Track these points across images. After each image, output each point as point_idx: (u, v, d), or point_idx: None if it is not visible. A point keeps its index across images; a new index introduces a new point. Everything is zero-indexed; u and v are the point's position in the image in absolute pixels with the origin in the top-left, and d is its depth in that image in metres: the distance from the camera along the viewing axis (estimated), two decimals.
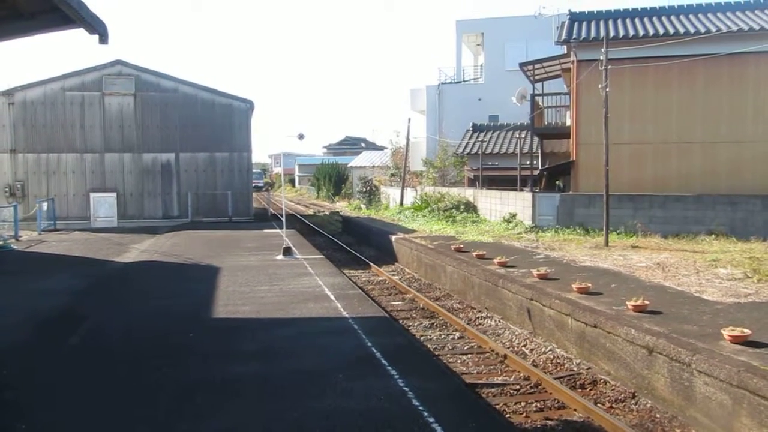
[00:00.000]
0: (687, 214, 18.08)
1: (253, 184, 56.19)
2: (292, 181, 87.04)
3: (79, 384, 6.78)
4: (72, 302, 11.27)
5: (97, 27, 9.41)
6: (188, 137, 28.21)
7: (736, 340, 7.11)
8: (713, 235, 16.80)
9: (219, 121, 28.54)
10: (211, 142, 28.44)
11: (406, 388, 6.41)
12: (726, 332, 7.25)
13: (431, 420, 5.60)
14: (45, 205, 25.59)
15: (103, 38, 9.71)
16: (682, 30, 19.31)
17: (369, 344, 8.09)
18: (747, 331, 7.20)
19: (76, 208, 27.46)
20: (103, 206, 27.62)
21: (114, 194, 27.71)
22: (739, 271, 11.75)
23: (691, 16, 20.81)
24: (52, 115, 27.18)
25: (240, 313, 10.03)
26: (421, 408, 5.88)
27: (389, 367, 7.11)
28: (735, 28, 18.80)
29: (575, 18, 22.02)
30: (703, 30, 18.96)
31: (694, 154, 19.38)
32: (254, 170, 65.26)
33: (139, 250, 18.89)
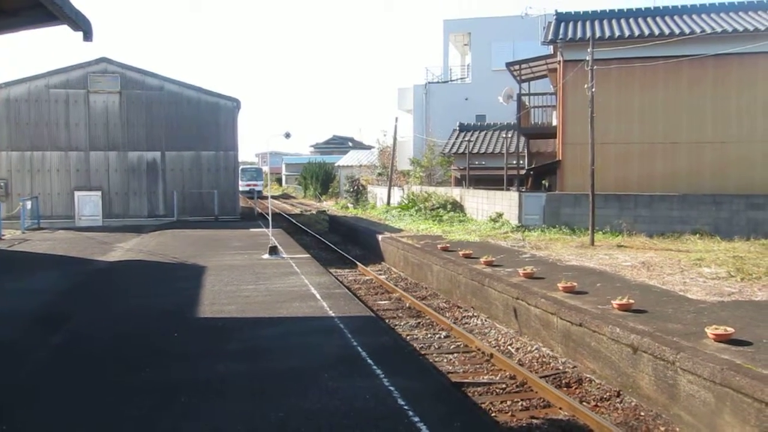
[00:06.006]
0: (672, 213, 18.22)
1: (249, 187, 54.43)
2: (278, 180, 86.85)
3: (61, 384, 6.71)
4: (55, 301, 11.16)
5: (81, 24, 9.33)
6: (174, 136, 28.05)
7: (720, 338, 7.16)
8: (698, 235, 16.96)
9: (205, 119, 28.40)
10: (198, 141, 28.30)
11: (391, 388, 6.40)
12: (710, 331, 7.30)
13: (416, 419, 5.58)
14: (29, 204, 25.35)
15: (88, 35, 9.62)
16: (667, 31, 19.46)
17: (355, 344, 8.07)
18: (730, 330, 7.26)
19: (61, 207, 27.22)
20: (88, 205, 27.39)
21: (99, 193, 27.49)
22: (722, 270, 11.85)
23: (676, 17, 20.98)
24: (36, 113, 26.92)
25: (225, 312, 9.97)
26: (406, 407, 5.87)
27: (375, 367, 7.09)
28: (719, 30, 18.98)
29: (562, 18, 22.11)
30: (687, 31, 19.12)
31: (679, 154, 19.53)
32: (249, 168, 63.74)
33: (124, 249, 18.76)
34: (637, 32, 19.74)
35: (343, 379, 6.67)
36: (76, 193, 27.30)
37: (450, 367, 9.05)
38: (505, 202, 21.01)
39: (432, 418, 5.62)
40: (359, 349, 7.83)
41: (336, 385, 6.48)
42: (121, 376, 6.92)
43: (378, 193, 37.21)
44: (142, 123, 27.77)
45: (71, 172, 27.30)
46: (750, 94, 19.15)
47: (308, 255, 17.18)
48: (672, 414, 6.91)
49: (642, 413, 7.20)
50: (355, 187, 40.71)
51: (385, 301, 13.80)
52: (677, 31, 19.22)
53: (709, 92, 19.40)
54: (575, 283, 10.47)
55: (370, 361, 7.33)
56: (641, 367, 7.46)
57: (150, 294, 11.76)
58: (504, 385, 8.23)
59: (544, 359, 9.28)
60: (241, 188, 40.75)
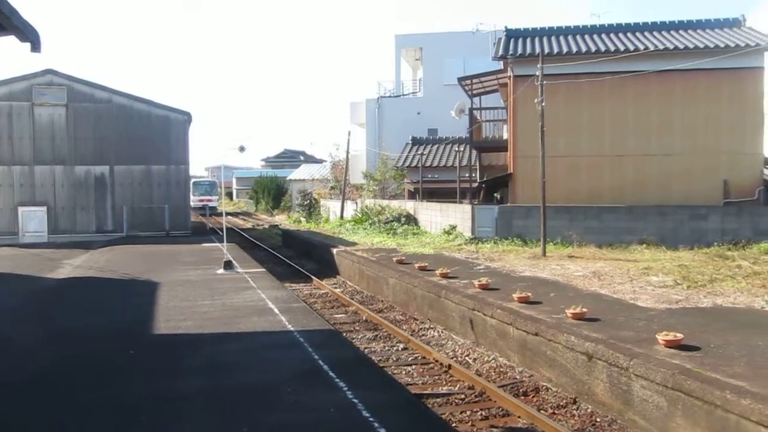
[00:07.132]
0: (620, 224, 18.73)
1: (202, 203, 51.94)
2: (229, 195, 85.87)
3: (10, 406, 6.51)
4: (2, 319, 10.80)
5: (29, 34, 9.12)
6: (123, 149, 27.51)
7: (670, 344, 7.42)
8: (644, 245, 17.45)
9: (156, 133, 27.95)
10: (148, 155, 27.81)
11: (355, 400, 6.42)
12: (660, 337, 7.55)
13: (383, 431, 5.62)
14: None
15: (36, 46, 9.41)
16: (612, 48, 20.10)
17: (316, 357, 8.07)
18: (679, 336, 7.53)
19: (3, 223, 26.38)
20: (33, 221, 26.61)
21: (44, 208, 26.74)
22: (669, 278, 12.25)
23: (621, 35, 21.71)
24: None
25: (182, 328, 9.83)
26: (371, 419, 5.90)
27: (337, 380, 7.11)
28: (661, 47, 19.70)
29: (511, 35, 22.62)
30: (632, 48, 19.78)
31: (626, 167, 20.12)
32: (203, 181, 61.11)
33: (72, 265, 18.27)
34: (584, 49, 20.34)
35: (306, 393, 6.66)
36: (20, 209, 26.50)
37: (409, 379, 9.11)
38: (459, 215, 21.28)
39: (397, 430, 5.66)
40: (321, 362, 7.83)
41: (300, 399, 6.47)
42: (75, 397, 6.74)
43: (331, 206, 37.16)
44: (90, 136, 27.17)
45: (15, 187, 26.49)
46: (692, 109, 19.88)
47: (263, 269, 17.05)
48: (627, 419, 7.12)
49: (598, 419, 7.39)
50: (308, 201, 40.59)
51: (342, 315, 13.80)
52: (622, 48, 19.88)
53: (654, 107, 20.09)
54: (530, 294, 10.68)
55: (332, 374, 7.34)
56: (596, 374, 7.66)
57: (102, 311, 11.50)
58: (463, 396, 8.33)
59: (501, 369, 9.43)
60: (193, 204, 39.96)
